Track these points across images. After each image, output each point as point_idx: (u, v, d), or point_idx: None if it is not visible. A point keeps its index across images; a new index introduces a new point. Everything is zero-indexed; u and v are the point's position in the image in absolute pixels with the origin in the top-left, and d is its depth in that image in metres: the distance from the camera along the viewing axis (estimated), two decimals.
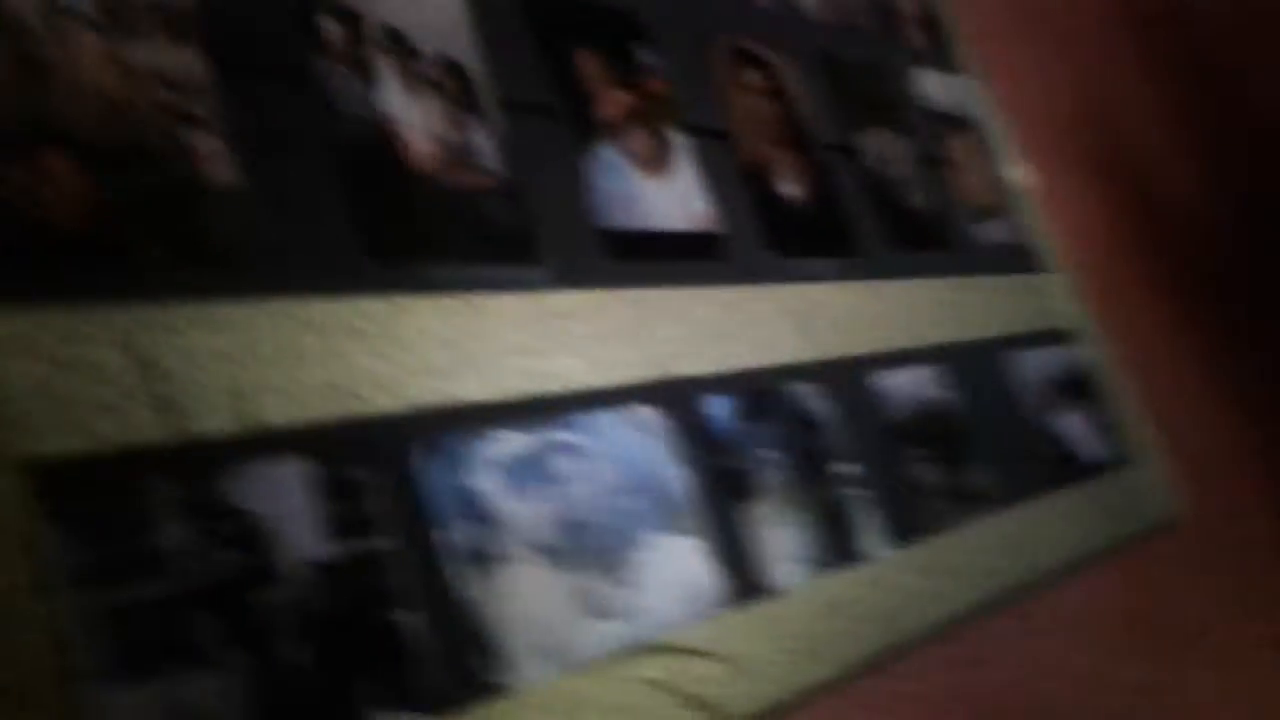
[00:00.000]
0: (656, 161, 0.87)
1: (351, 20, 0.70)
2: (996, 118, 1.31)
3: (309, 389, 0.59)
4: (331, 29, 0.69)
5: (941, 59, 1.30)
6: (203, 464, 0.53)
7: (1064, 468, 1.13)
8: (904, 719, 0.83)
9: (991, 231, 1.23)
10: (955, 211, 1.20)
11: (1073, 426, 1.18)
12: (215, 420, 0.54)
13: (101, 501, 0.48)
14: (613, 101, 0.86)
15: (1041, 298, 1.23)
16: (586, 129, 0.83)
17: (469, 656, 0.59)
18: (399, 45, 0.72)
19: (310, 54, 0.67)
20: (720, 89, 0.97)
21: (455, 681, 0.58)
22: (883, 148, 1.14)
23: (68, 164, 0.54)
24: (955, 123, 1.27)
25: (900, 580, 0.87)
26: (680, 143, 0.90)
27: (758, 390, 0.85)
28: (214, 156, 0.60)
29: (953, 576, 0.91)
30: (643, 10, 0.92)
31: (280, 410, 0.57)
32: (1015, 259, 1.24)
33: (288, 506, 0.55)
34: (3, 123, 0.52)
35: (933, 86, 1.26)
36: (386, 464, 0.60)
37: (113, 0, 0.59)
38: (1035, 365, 1.17)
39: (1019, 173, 1.30)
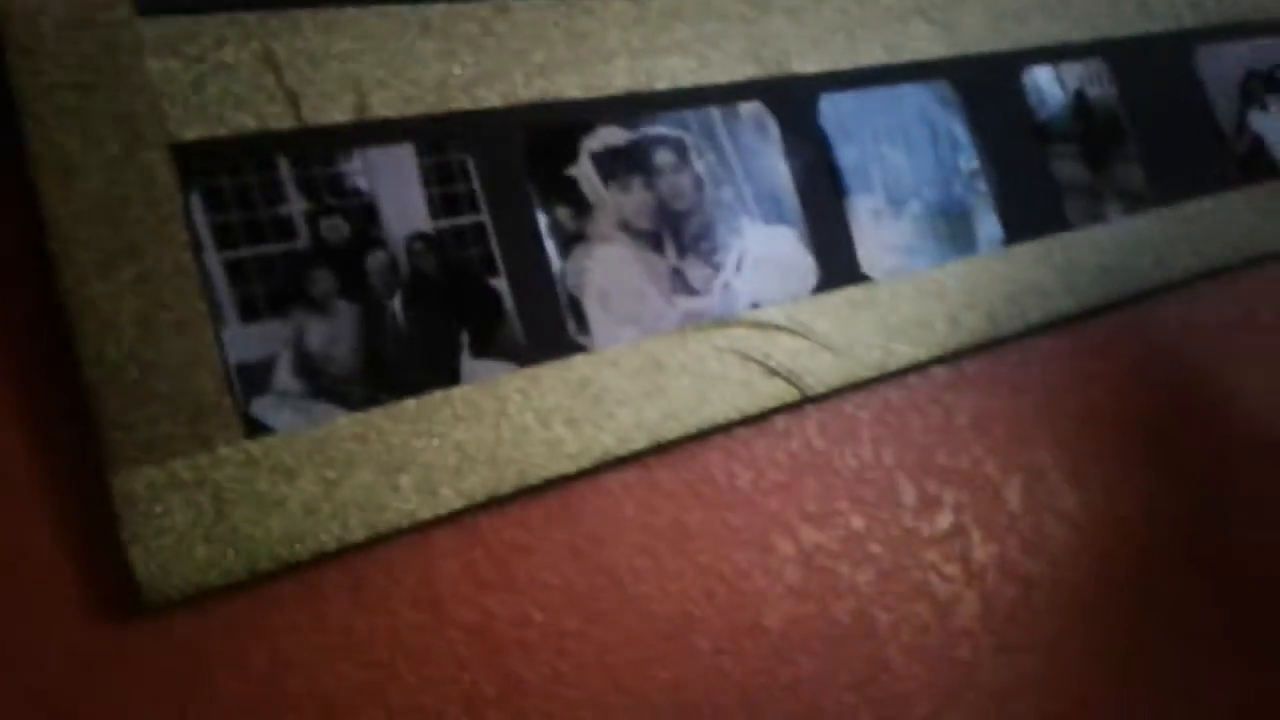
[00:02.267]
0: None
1: None
2: None
3: (422, 86, 0.69)
4: None
5: None
6: (324, 148, 0.65)
7: (1251, 166, 1.08)
8: (997, 396, 0.89)
9: None
10: None
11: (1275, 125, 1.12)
12: (337, 112, 0.66)
13: (237, 177, 0.61)
14: None
15: None
16: None
17: (554, 319, 0.70)
18: None
19: None
20: None
21: (540, 339, 0.69)
22: None
23: None
24: None
25: (1014, 273, 0.90)
26: None
27: (879, 86, 0.88)
28: None
29: (1078, 271, 0.94)
30: None
31: (395, 104, 0.68)
32: None
33: (397, 186, 0.67)
34: None
35: None
36: (489, 151, 0.70)
37: None
38: (1238, 58, 1.11)
39: None
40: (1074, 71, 0.99)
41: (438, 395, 0.65)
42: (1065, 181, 0.96)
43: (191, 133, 0.61)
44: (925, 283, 0.86)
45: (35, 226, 0.57)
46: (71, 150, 0.57)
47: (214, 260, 0.61)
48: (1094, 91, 1.00)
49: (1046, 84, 0.98)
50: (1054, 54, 0.98)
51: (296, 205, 0.63)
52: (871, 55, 0.88)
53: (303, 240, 0.63)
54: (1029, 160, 0.95)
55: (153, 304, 0.58)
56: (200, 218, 0.60)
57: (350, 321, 0.64)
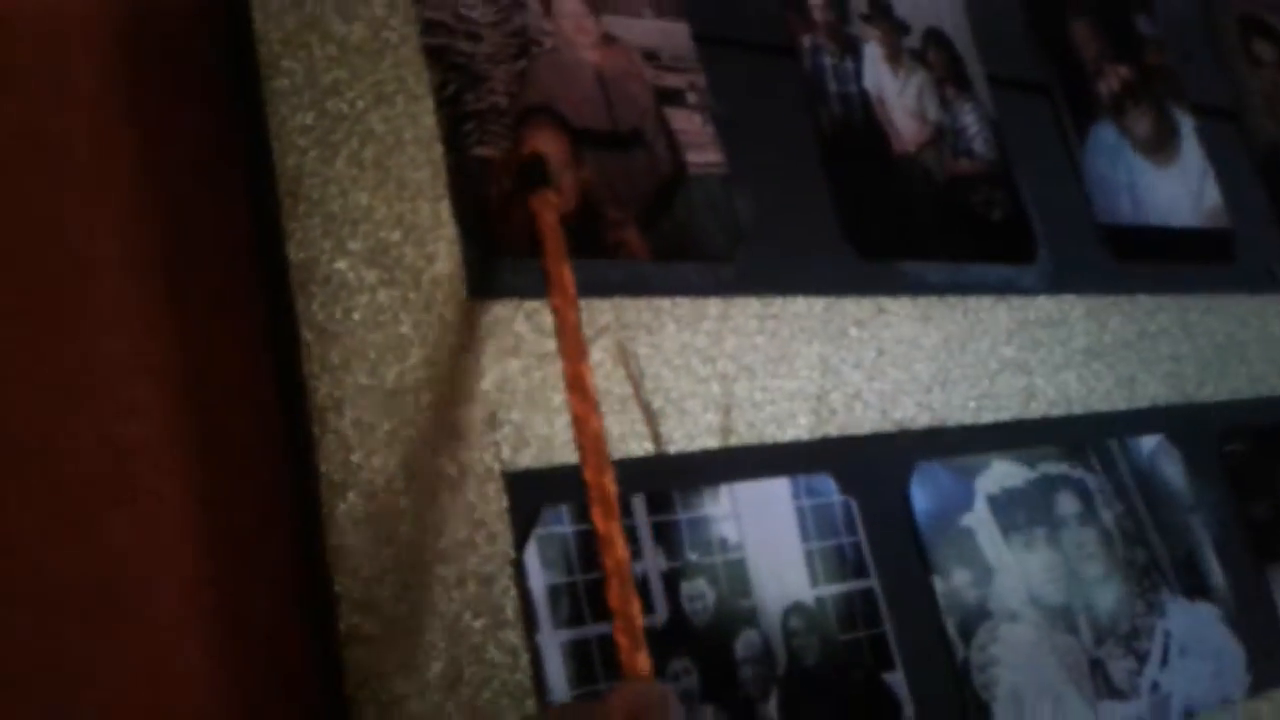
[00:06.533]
0: (1161, 145, 0.74)
1: None
2: None
3: (795, 401, 0.52)
4: (817, 4, 0.61)
5: None
6: (687, 483, 0.47)
7: None
8: None
9: None
10: None
11: None
12: (705, 435, 0.48)
13: (584, 521, 0.43)
14: (1113, 76, 0.73)
15: None
16: (1084, 108, 0.71)
17: None
18: (886, 19, 0.64)
19: (798, 29, 0.60)
20: (1228, 63, 0.82)
21: None
22: None
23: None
24: None
25: None
26: (1187, 124, 0.76)
27: None
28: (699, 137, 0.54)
29: None
30: None
31: (765, 425, 0.50)
32: None
33: (771, 536, 0.48)
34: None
35: None
36: (879, 494, 0.52)
37: None
38: None
39: None
40: None
41: None
42: None
43: (528, 459, 0.43)
44: None
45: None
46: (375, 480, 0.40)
47: (552, 642, 0.42)
48: None
49: None
50: None
51: (654, 563, 0.45)
52: (1267, 382, 0.71)
53: (660, 615, 0.44)
54: None
55: (467, 709, 0.39)
56: (536, 578, 0.42)
57: None
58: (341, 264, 0.41)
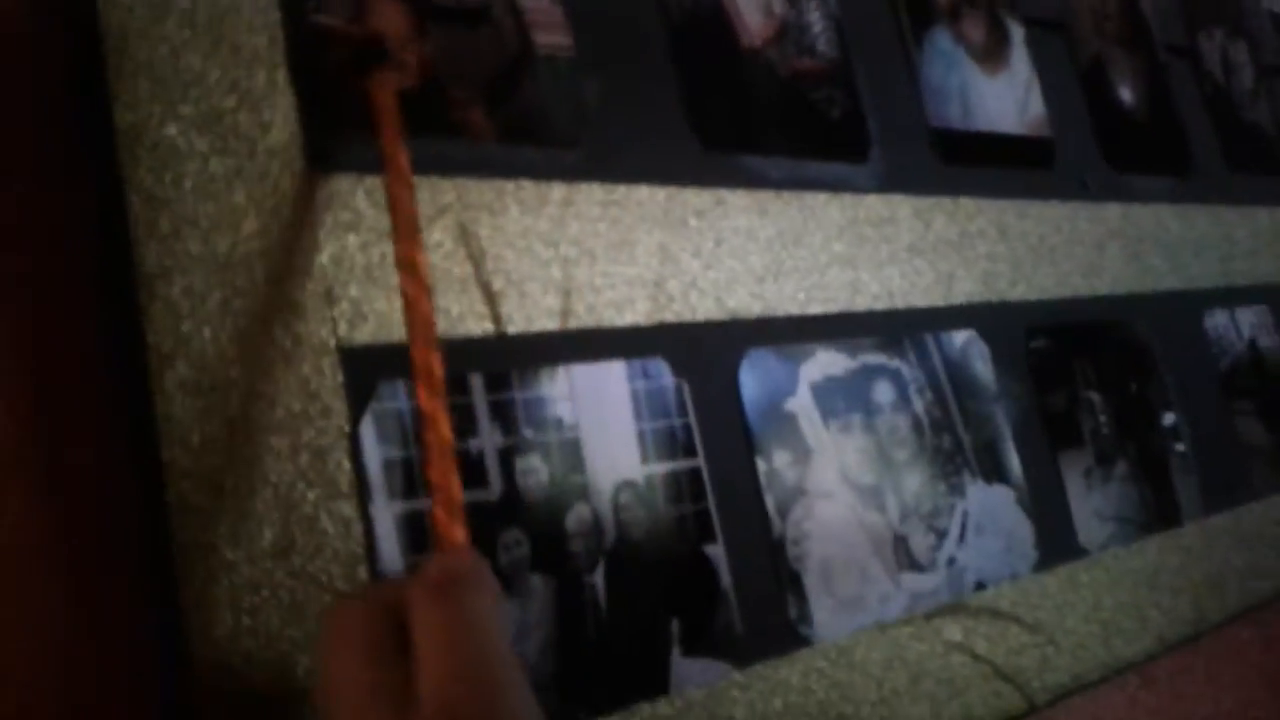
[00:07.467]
0: (994, 53, 0.77)
1: None
2: None
3: (635, 288, 0.53)
4: None
5: None
6: (526, 364, 0.48)
7: None
8: (1216, 703, 0.74)
9: None
10: None
11: None
12: (543, 317, 0.49)
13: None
14: None
15: None
16: (922, 12, 0.73)
17: (775, 602, 0.53)
18: None
19: None
20: None
21: (759, 629, 0.52)
22: (1226, 53, 1.00)
23: None
24: None
25: (1217, 550, 0.77)
26: (1018, 34, 0.79)
27: (1085, 322, 0.75)
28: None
29: (1274, 550, 0.81)
30: None
31: (606, 311, 0.51)
32: None
33: (605, 417, 0.50)
34: None
35: None
36: (710, 379, 0.54)
37: None
38: None
39: None
40: (1247, 318, 0.89)
41: (645, 711, 0.47)
42: (1249, 443, 0.84)
43: (365, 334, 0.44)
44: (1137, 561, 0.71)
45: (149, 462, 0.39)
46: (206, 354, 0.39)
47: (385, 514, 0.42)
48: (1266, 341, 0.90)
49: (1224, 329, 0.87)
50: (1228, 297, 0.88)
51: (490, 440, 0.46)
52: (1071, 284, 0.75)
53: (495, 489, 0.46)
54: (1219, 416, 0.83)
55: (299, 575, 0.40)
56: (371, 452, 0.43)
57: (544, 605, 0.46)
58: (171, 129, 0.40)
